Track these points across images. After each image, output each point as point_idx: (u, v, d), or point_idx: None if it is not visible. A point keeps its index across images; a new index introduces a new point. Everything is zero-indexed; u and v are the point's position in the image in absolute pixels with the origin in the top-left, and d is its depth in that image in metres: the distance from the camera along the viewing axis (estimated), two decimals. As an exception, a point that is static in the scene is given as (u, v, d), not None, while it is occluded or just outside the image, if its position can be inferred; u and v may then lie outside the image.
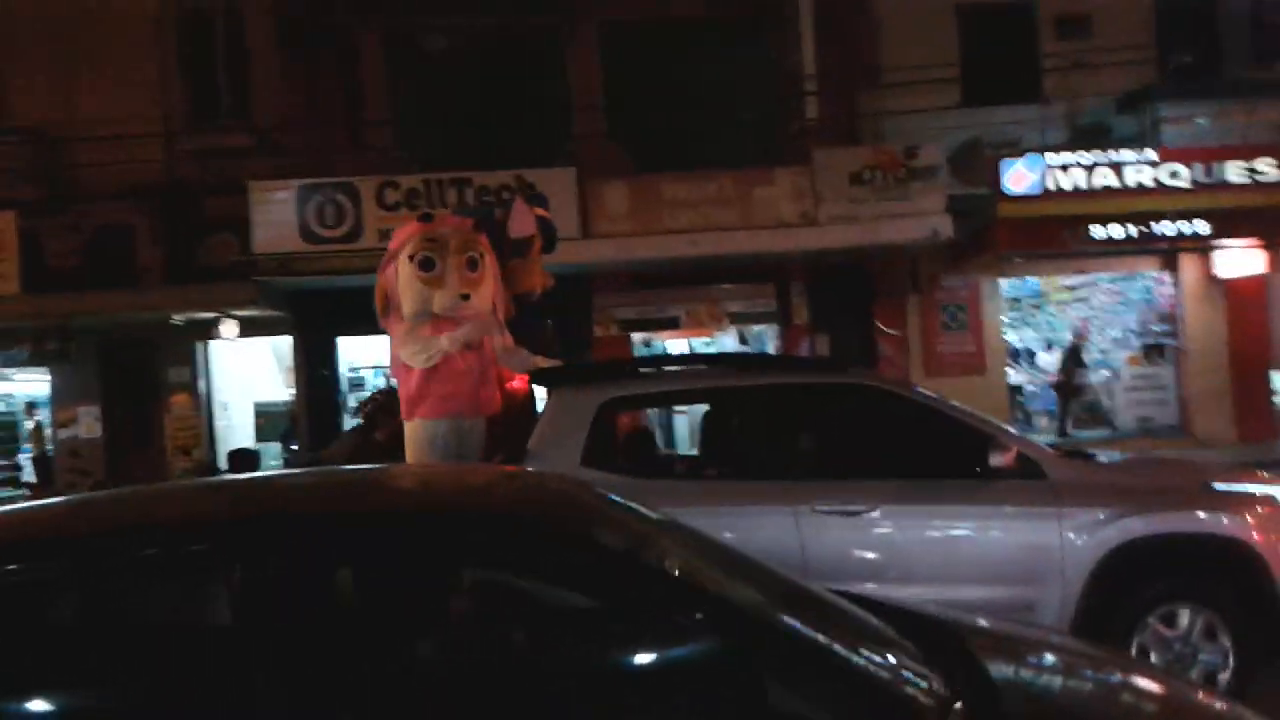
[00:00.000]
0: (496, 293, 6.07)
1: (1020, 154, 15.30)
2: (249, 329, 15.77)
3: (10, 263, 14.15)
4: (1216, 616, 5.27)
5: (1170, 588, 5.34)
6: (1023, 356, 18.16)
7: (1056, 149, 15.45)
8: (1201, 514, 5.35)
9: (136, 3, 16.04)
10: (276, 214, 14.68)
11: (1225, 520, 5.30)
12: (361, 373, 17.47)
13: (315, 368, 16.28)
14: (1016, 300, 18.06)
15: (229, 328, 15.35)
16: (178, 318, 15.37)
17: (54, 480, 15.06)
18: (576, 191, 15.01)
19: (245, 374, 16.87)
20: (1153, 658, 5.26)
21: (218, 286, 14.94)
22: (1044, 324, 18.10)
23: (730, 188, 15.29)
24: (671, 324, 16.89)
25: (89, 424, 15.45)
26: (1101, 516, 5.30)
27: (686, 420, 15.46)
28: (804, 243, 15.28)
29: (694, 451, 6.25)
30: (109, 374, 15.81)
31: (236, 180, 15.00)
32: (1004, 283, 17.17)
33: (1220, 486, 5.53)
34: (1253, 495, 5.52)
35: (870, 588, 5.15)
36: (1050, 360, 17.40)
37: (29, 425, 16.88)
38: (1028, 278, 17.50)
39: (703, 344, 18.88)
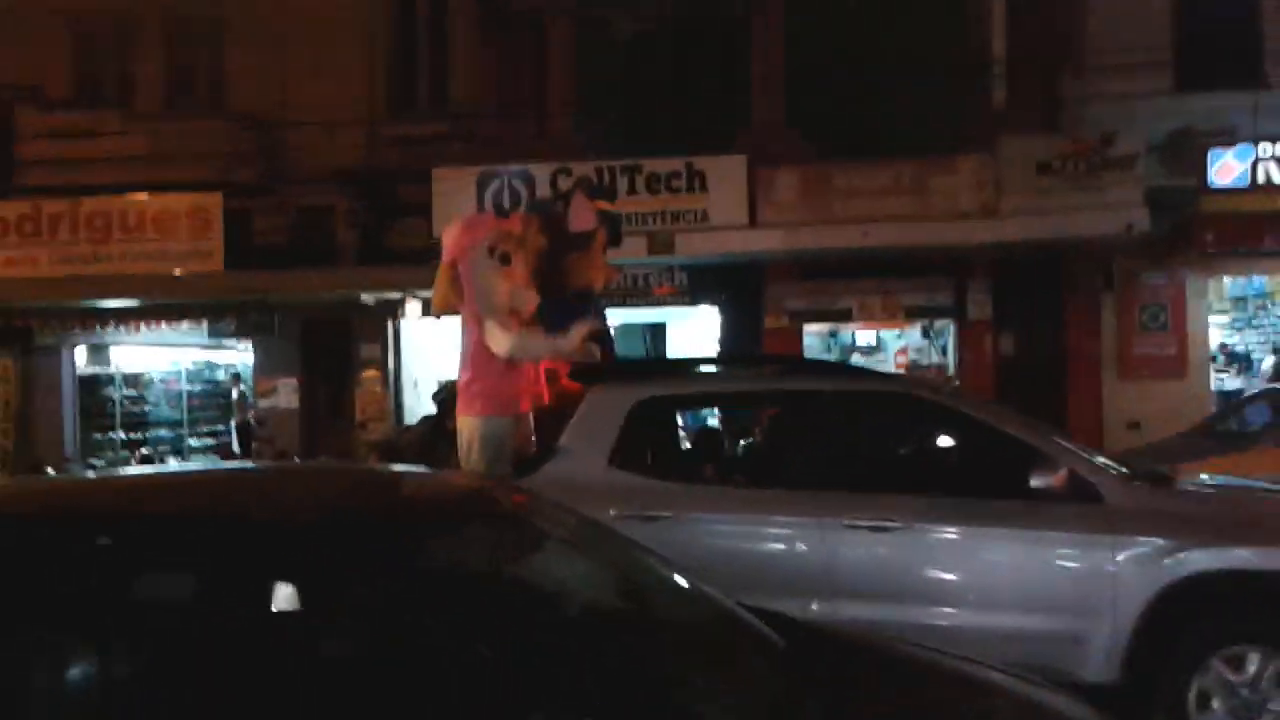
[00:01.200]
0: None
1: (1230, 143, 14.13)
2: (429, 309, 16.46)
3: (216, 241, 15.28)
4: (1291, 664, 4.78)
5: (1240, 628, 4.88)
6: (1238, 360, 16.84)
7: (1273, 139, 14.16)
8: (1275, 550, 4.85)
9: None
10: (457, 200, 15.21)
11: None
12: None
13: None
14: (1241, 300, 16.76)
15: (414, 308, 16.08)
16: (368, 297, 16.21)
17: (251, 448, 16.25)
18: (746, 179, 14.93)
19: (435, 351, 17.58)
20: (1214, 703, 4.83)
21: (404, 268, 15.64)
22: (1269, 326, 16.71)
23: (907, 176, 14.84)
24: (843, 316, 16.55)
25: (287, 395, 16.54)
26: (1161, 547, 4.89)
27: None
28: (984, 235, 14.66)
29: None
30: (307, 348, 16.86)
31: (430, 166, 15.69)
32: (1227, 281, 15.94)
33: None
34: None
35: (898, 608, 4.98)
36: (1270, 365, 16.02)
37: (234, 395, 18.27)
38: (1254, 276, 16.18)
39: (894, 336, 18.47)
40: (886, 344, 19.54)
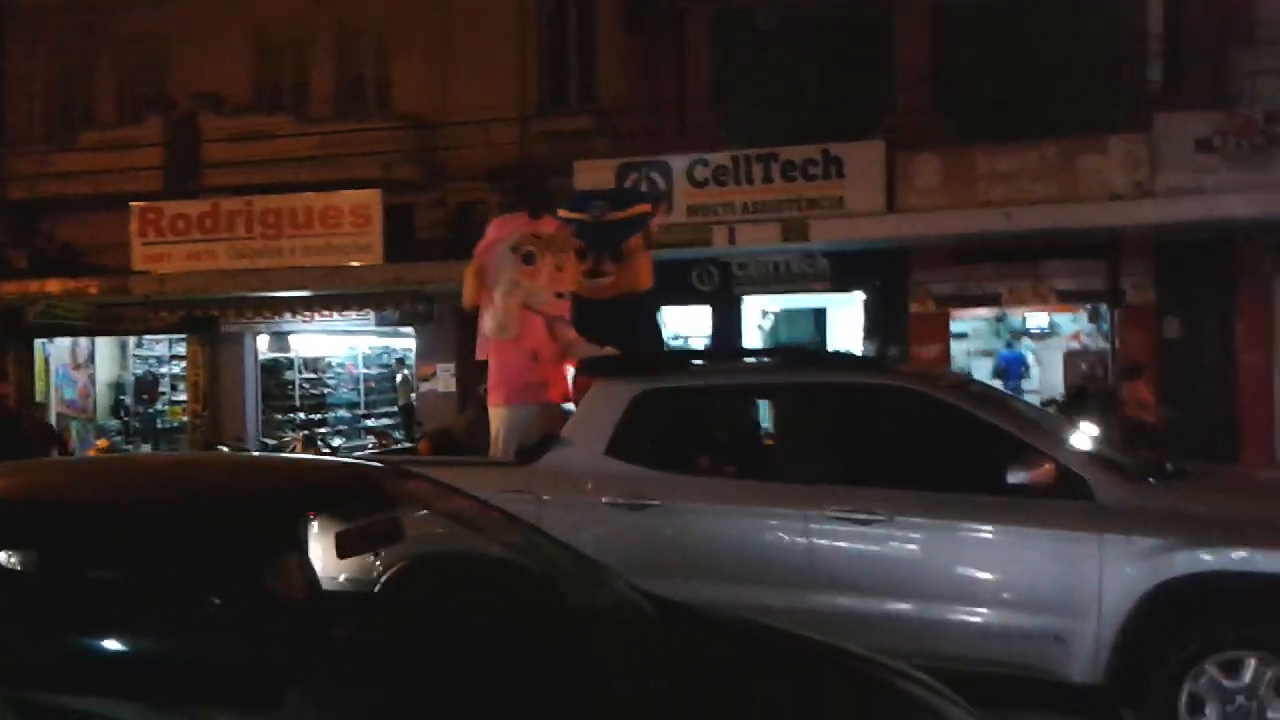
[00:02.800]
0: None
1: None
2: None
3: (376, 235, 16.18)
4: (1291, 671, 4.53)
5: (1236, 632, 4.65)
6: None
7: None
8: (1269, 553, 4.59)
9: (503, -4, 17.54)
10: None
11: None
12: (688, 342, 18.23)
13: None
14: None
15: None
16: (517, 286, 16.79)
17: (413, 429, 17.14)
18: (884, 164, 14.71)
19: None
20: (1207, 709, 4.63)
21: (550, 258, 16.15)
22: None
23: (1053, 157, 14.30)
24: (992, 300, 16.06)
25: (445, 380, 17.38)
26: (1151, 545, 4.71)
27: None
28: (1137, 217, 13.99)
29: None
30: (464, 336, 17.62)
31: (581, 159, 16.14)
32: None
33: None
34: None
35: (878, 601, 5.00)
36: None
37: (399, 379, 19.30)
38: None
39: (1068, 319, 17.81)
40: (1061, 327, 18.90)
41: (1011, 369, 19.19)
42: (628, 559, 5.29)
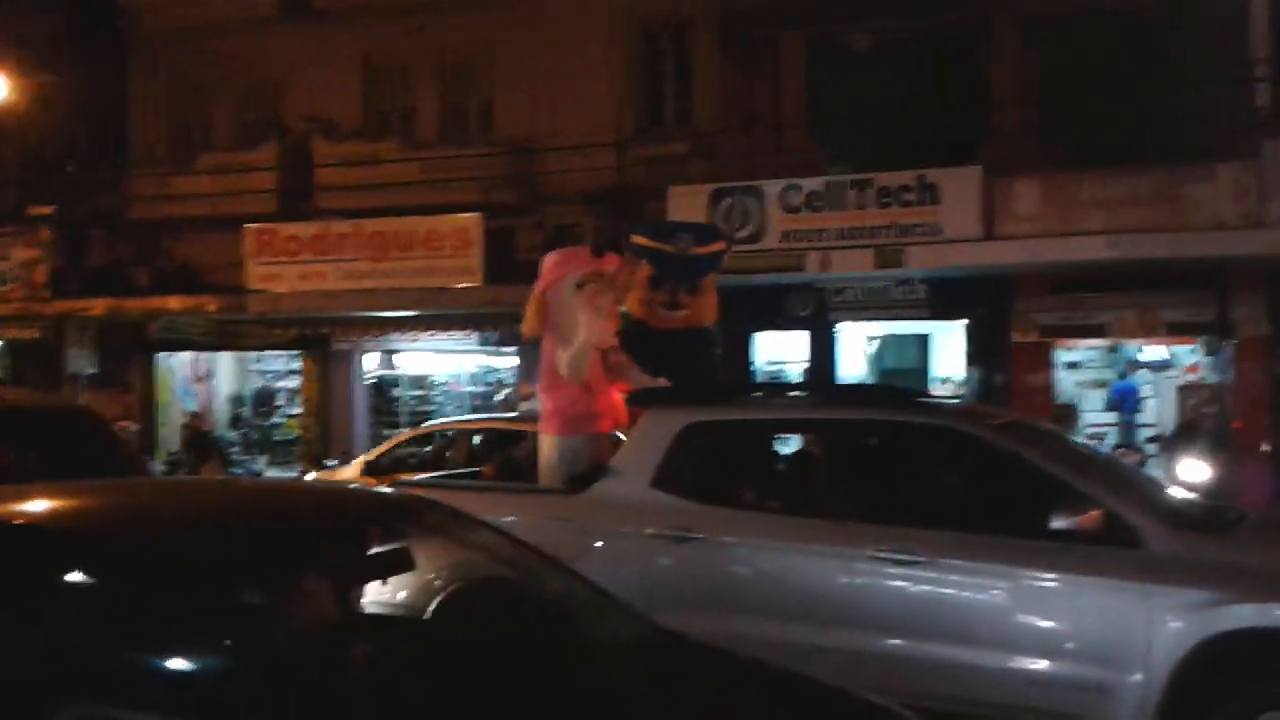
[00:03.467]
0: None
1: None
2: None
3: (475, 258, 16.55)
4: (1343, 734, 4.35)
5: (1288, 691, 4.48)
6: None
7: None
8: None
9: (598, 22, 17.79)
10: (691, 216, 15.64)
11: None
12: (784, 366, 18.18)
13: (735, 359, 17.14)
14: None
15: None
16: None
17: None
18: (980, 191, 14.48)
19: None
20: (1259, 767, 4.47)
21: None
22: None
23: (1159, 185, 13.89)
24: (1097, 331, 15.62)
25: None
26: (1200, 599, 4.57)
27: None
28: (1245, 247, 13.53)
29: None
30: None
31: (675, 184, 16.27)
32: None
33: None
34: None
35: (918, 643, 4.95)
36: None
37: (498, 398, 19.63)
38: None
39: (1187, 351, 17.26)
40: (1179, 358, 18.30)
41: (1125, 401, 18.61)
42: (670, 591, 5.37)
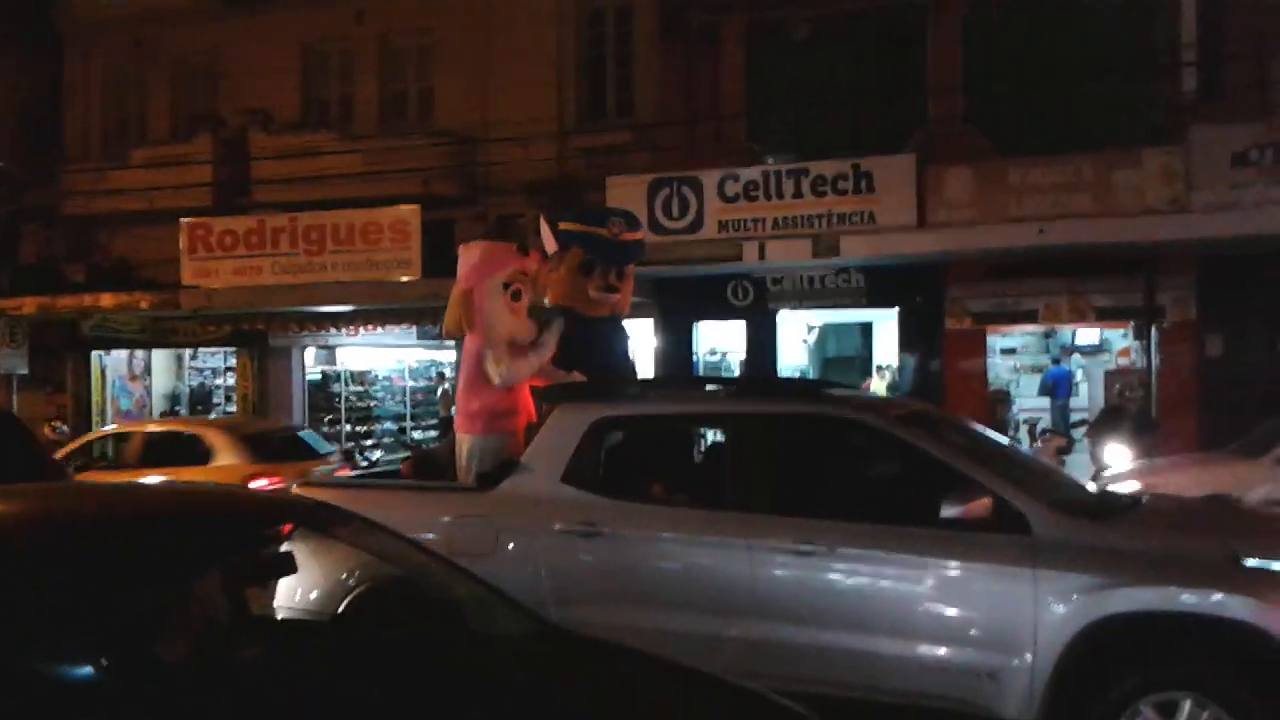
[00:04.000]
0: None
1: None
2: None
3: (414, 251, 16.45)
4: (1226, 713, 4.46)
5: (1171, 672, 4.60)
6: None
7: None
8: (1213, 593, 4.53)
9: (539, 9, 17.72)
10: (630, 206, 15.63)
11: (1239, 604, 4.46)
12: (726, 356, 18.29)
13: (675, 349, 17.22)
14: None
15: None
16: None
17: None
18: (915, 179, 14.62)
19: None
20: (1144, 747, 4.59)
21: (582, 273, 16.28)
22: None
23: (1087, 171, 14.08)
24: (1029, 317, 15.84)
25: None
26: (1086, 583, 4.67)
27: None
28: (1173, 232, 13.73)
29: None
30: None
31: (617, 174, 16.24)
32: None
33: (1253, 562, 4.61)
34: (1298, 575, 4.57)
35: (817, 632, 5.02)
36: None
37: (439, 392, 19.57)
38: None
39: (1119, 336, 17.55)
40: (1112, 343, 18.63)
41: (1059, 386, 18.94)
42: (579, 585, 5.42)
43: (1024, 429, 18.55)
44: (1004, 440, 5.98)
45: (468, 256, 6.64)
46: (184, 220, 17.53)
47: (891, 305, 16.58)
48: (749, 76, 16.73)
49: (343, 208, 17.13)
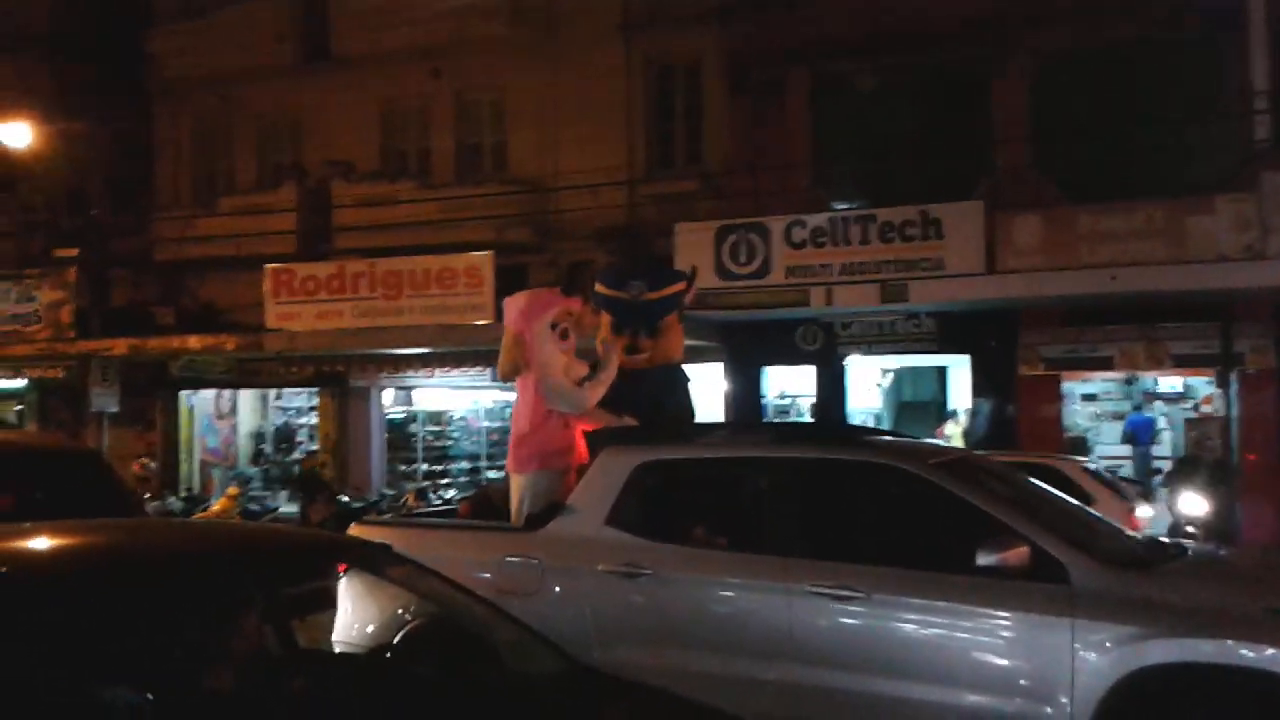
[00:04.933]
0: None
1: None
2: (684, 357, 17.12)
3: (487, 295, 16.80)
4: (1263, 766, 4.43)
5: (1210, 725, 4.57)
6: None
7: None
8: (1250, 646, 4.50)
9: (610, 64, 18.11)
10: (699, 251, 15.86)
11: (1277, 656, 4.43)
12: (796, 401, 18.30)
13: (744, 394, 17.30)
14: None
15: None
16: (621, 345, 17.19)
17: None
18: (983, 225, 14.58)
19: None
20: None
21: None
22: None
23: (1159, 218, 13.94)
24: (1103, 364, 15.64)
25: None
26: (1123, 634, 4.67)
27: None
28: (1248, 279, 13.54)
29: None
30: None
31: (685, 221, 16.47)
32: None
33: (1293, 614, 4.57)
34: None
35: (854, 677, 5.07)
36: None
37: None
38: None
39: (1203, 383, 17.22)
40: (1195, 390, 18.25)
41: (1140, 433, 18.58)
42: (621, 626, 5.54)
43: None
44: (1049, 489, 5.97)
45: (514, 304, 6.87)
46: (268, 266, 18.13)
47: (963, 351, 16.50)
48: (815, 126, 16.92)
49: (420, 254, 17.58)
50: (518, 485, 6.48)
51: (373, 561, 4.18)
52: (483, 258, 17.03)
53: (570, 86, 18.26)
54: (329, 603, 3.92)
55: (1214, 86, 14.64)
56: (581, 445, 6.52)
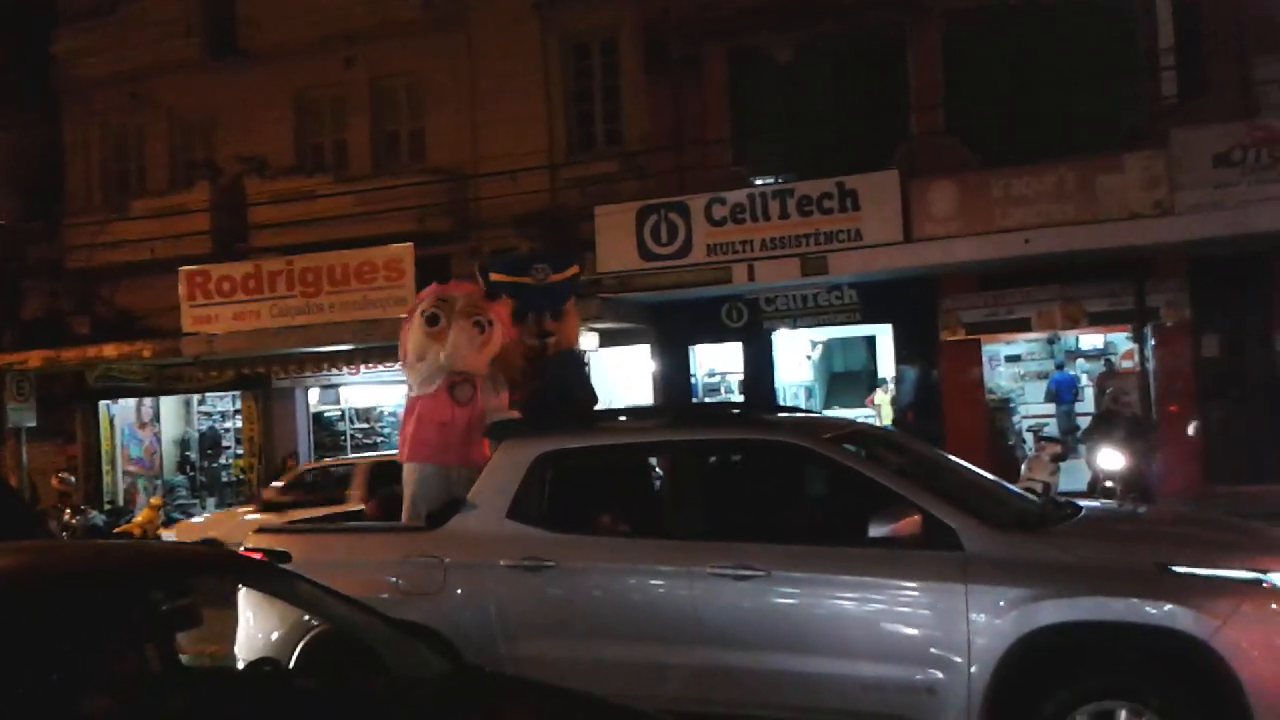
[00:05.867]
0: (499, 357, 6.54)
1: None
2: (609, 340, 17.10)
3: (408, 288, 16.56)
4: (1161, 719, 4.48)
5: (1105, 682, 4.60)
6: None
7: None
8: (1142, 603, 4.54)
9: (525, 45, 17.90)
10: (619, 234, 15.80)
11: (1168, 611, 4.48)
12: (726, 378, 18.31)
13: (673, 374, 17.28)
14: None
15: (589, 340, 16.77)
16: (548, 330, 17.07)
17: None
18: (899, 194, 14.66)
19: (613, 382, 18.17)
20: (1082, 757, 4.60)
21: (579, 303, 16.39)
22: None
23: (1071, 179, 14.08)
24: (1022, 326, 15.82)
25: (484, 426, 17.64)
26: (1017, 596, 4.70)
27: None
28: (1159, 235, 13.73)
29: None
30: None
31: (608, 203, 16.35)
32: None
33: (1181, 569, 4.63)
34: (1230, 581, 4.57)
35: (760, 655, 5.06)
36: None
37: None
38: None
39: (1123, 339, 17.48)
40: (1116, 346, 18.55)
41: (1063, 391, 18.89)
42: (527, 620, 5.48)
43: (1029, 436, 18.48)
44: (948, 456, 5.99)
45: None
46: (183, 269, 17.75)
47: (885, 320, 16.61)
48: (733, 102, 16.87)
49: (339, 249, 17.31)
50: (406, 475, 6.42)
51: (252, 576, 4.08)
52: (403, 249, 16.80)
53: (487, 68, 18.05)
54: (202, 619, 3.81)
55: (1124, 45, 14.80)
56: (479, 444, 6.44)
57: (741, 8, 16.44)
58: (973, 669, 4.72)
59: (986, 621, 4.72)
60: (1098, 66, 14.49)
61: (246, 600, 5.22)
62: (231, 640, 5.37)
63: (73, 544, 7.03)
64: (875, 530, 4.95)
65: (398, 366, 18.08)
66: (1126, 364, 17.50)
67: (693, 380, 17.57)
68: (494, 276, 7.11)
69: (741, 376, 17.50)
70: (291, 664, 5.01)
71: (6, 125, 19.25)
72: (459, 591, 5.57)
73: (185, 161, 19.99)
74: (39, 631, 3.56)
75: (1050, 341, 19.19)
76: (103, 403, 19.78)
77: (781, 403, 16.51)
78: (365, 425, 20.57)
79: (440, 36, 18.24)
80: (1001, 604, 4.71)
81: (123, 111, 20.24)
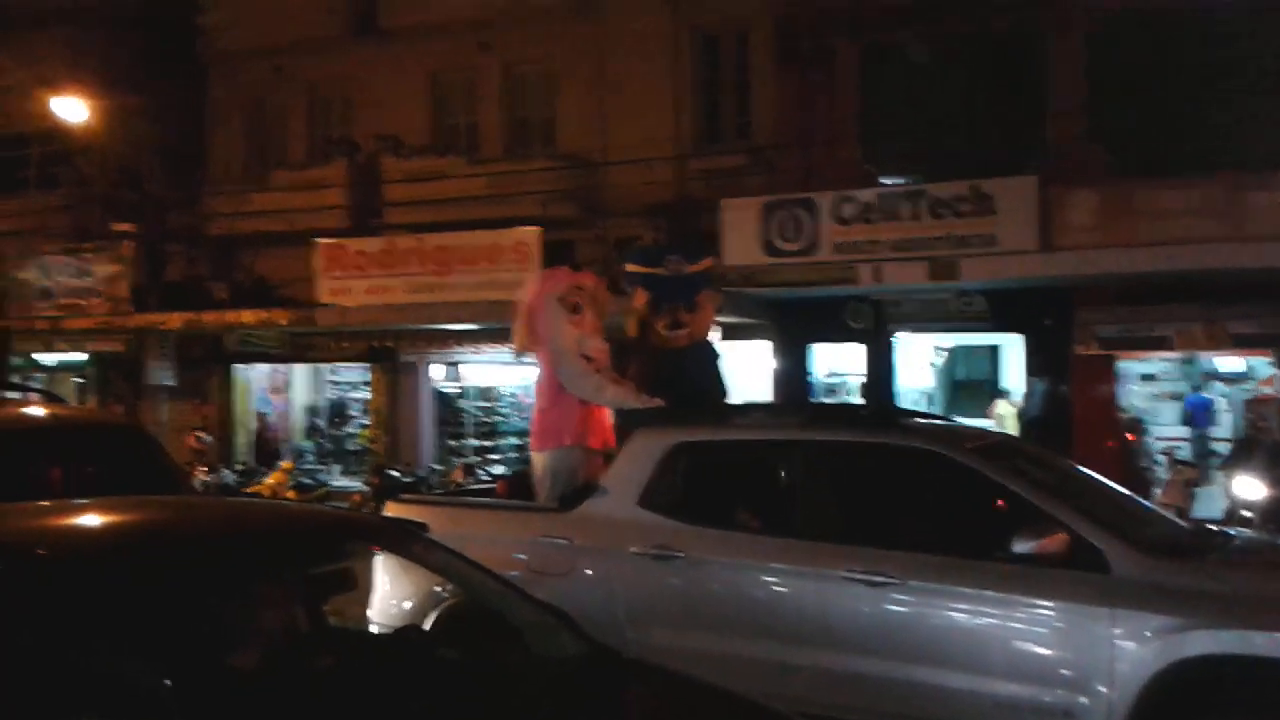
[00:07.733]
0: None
1: None
2: (730, 335, 17.02)
3: (534, 270, 16.74)
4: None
5: (1253, 718, 4.44)
6: None
7: None
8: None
9: (658, 36, 17.95)
10: (744, 228, 15.74)
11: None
12: (846, 379, 18.11)
13: (792, 372, 17.15)
14: None
15: (712, 334, 16.74)
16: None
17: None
18: (1036, 201, 14.29)
19: (733, 377, 18.13)
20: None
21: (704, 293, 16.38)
22: None
23: (1219, 194, 13.55)
24: (1161, 344, 15.29)
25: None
26: (1163, 624, 4.56)
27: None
28: (1311, 258, 13.10)
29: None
30: (619, 364, 18.02)
31: (731, 197, 16.33)
32: None
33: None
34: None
35: (888, 664, 5.01)
36: None
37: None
38: None
39: (1265, 364, 16.81)
40: (1257, 371, 17.84)
41: (1198, 414, 18.22)
42: (652, 608, 5.51)
43: (1163, 458, 17.90)
44: (1092, 474, 5.83)
45: (531, 281, 6.95)
46: (320, 240, 18.25)
47: (1017, 329, 16.22)
48: (865, 99, 16.63)
49: (468, 229, 17.60)
50: (538, 464, 6.50)
51: (400, 543, 4.18)
52: (530, 233, 17.00)
53: (618, 58, 18.13)
54: (356, 583, 3.92)
55: (1277, 55, 14.18)
56: (606, 424, 6.51)
57: (877, 4, 16.20)
58: (1114, 696, 4.60)
59: (1131, 648, 4.59)
60: (1250, 78, 13.90)
61: (383, 567, 5.35)
62: (365, 606, 5.51)
63: (233, 502, 7.29)
64: (1017, 546, 4.85)
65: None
66: (1266, 390, 16.81)
67: (811, 380, 17.41)
68: (629, 267, 7.18)
69: (863, 379, 17.28)
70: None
71: (154, 94, 19.97)
72: (587, 574, 5.64)
73: (323, 136, 20.53)
74: (190, 589, 3.69)
75: (1187, 362, 18.52)
76: (238, 367, 20.47)
77: (903, 407, 16.26)
78: (485, 404, 20.89)
79: (574, 24, 18.39)
80: (1147, 632, 4.58)
81: (266, 85, 20.88)
